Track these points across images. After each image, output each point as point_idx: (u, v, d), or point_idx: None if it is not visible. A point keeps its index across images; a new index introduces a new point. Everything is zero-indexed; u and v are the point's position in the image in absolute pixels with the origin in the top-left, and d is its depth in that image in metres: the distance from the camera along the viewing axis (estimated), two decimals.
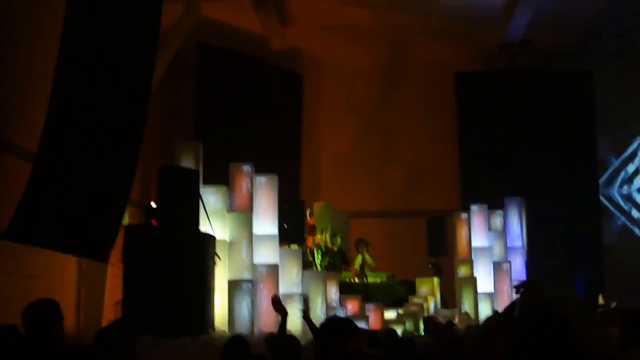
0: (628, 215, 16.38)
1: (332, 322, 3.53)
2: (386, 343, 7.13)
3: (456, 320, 11.58)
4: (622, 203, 16.43)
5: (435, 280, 12.78)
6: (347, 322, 3.46)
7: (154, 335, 7.77)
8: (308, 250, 12.21)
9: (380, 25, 14.77)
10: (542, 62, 15.60)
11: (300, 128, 16.19)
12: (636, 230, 16.32)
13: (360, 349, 3.40)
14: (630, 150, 16.54)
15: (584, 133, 15.79)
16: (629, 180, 16.52)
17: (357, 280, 12.71)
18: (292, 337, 5.76)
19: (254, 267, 9.95)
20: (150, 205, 9.23)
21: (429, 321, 10.23)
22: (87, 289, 11.00)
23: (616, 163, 16.53)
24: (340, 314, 10.71)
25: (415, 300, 12.27)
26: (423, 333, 10.48)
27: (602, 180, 16.29)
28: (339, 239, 12.90)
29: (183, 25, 12.95)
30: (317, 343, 3.59)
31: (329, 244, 12.74)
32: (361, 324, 10.65)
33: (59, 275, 10.34)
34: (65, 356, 4.13)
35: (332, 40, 15.44)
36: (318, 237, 12.66)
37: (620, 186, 16.52)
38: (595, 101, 15.86)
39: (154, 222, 8.94)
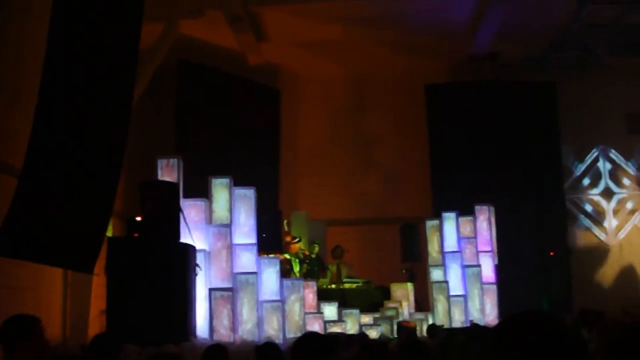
0: (592, 218, 16.83)
1: (309, 340, 3.37)
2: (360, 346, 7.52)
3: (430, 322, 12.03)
4: (585, 207, 16.88)
5: (409, 285, 13.11)
6: (325, 340, 3.35)
7: (138, 343, 8.06)
8: (285, 260, 12.55)
9: (352, 40, 15.05)
10: (507, 74, 15.97)
11: (279, 140, 16.45)
12: (599, 233, 16.76)
13: None
14: (592, 157, 16.96)
15: (549, 141, 16.19)
16: (592, 185, 16.98)
17: (334, 286, 13.06)
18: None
19: (233, 276, 10.34)
20: (133, 218, 9.53)
21: (399, 325, 10.70)
22: (73, 298, 11.16)
23: (580, 169, 16.97)
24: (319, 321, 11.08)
25: (390, 304, 12.65)
26: (396, 336, 10.89)
27: (566, 185, 16.67)
28: (316, 247, 13.30)
29: (162, 43, 13.15)
30: None
31: (306, 251, 13.13)
32: (338, 329, 11.06)
33: (46, 287, 10.51)
34: None
35: (307, 55, 15.76)
36: (296, 246, 13.01)
37: (584, 191, 16.97)
38: (559, 111, 16.32)
39: (136, 235, 9.26)
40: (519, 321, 2.39)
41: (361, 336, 8.13)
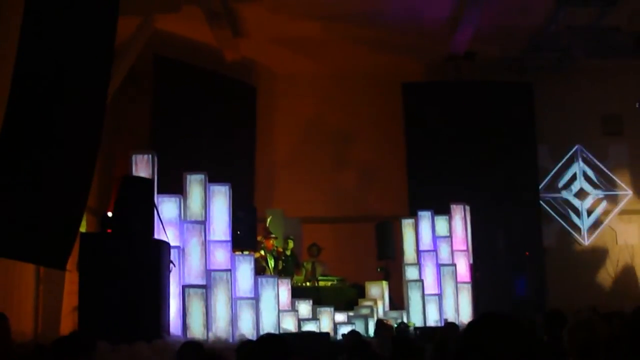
0: (566, 219, 16.95)
1: (265, 342, 3.39)
2: (347, 345, 7.45)
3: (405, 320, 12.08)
4: (560, 207, 17.00)
5: (384, 283, 13.15)
6: (280, 343, 3.32)
7: (110, 341, 7.99)
8: (261, 257, 12.52)
9: (330, 37, 15.05)
10: (485, 74, 16.01)
11: (255, 137, 16.36)
12: (573, 233, 16.90)
13: None
14: (567, 157, 17.09)
15: (525, 141, 16.28)
16: (567, 185, 17.12)
17: (308, 284, 13.04)
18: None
19: (207, 272, 10.29)
20: (106, 214, 9.46)
21: (379, 324, 10.67)
22: (46, 295, 11.07)
23: (555, 169, 17.08)
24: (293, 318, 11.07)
25: (365, 302, 12.66)
26: (373, 334, 10.90)
27: (541, 186, 16.78)
28: (290, 243, 13.20)
29: (138, 38, 13.04)
30: None
31: (280, 248, 13.08)
32: (312, 327, 11.06)
33: (18, 283, 10.42)
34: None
35: (284, 52, 15.71)
36: (271, 242, 12.96)
37: (559, 191, 17.09)
38: (535, 111, 16.43)
39: (108, 231, 9.18)
40: (486, 323, 2.42)
41: (352, 335, 8.01)
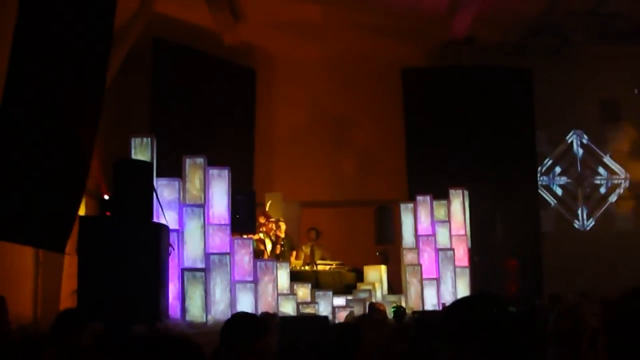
0: (564, 204, 17.00)
1: (239, 319, 3.31)
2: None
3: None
4: (558, 193, 17.05)
5: (383, 267, 13.18)
6: (256, 320, 3.27)
7: (108, 324, 8.02)
8: (259, 240, 12.52)
9: (330, 22, 15.03)
10: (484, 59, 15.98)
11: (254, 121, 16.37)
12: (571, 218, 16.93)
13: (270, 350, 3.24)
14: (566, 143, 17.14)
15: (524, 126, 16.30)
16: (565, 171, 17.15)
17: (307, 268, 13.06)
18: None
19: (206, 256, 10.31)
20: (104, 197, 9.47)
21: (371, 308, 10.71)
22: (45, 278, 11.10)
23: (553, 155, 17.12)
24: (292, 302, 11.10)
25: (364, 287, 12.69)
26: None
27: (540, 171, 16.85)
28: (282, 225, 13.14)
29: (137, 21, 13.02)
30: (222, 342, 3.31)
31: (280, 232, 13.07)
32: (311, 311, 11.10)
33: (17, 266, 10.46)
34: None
35: (284, 35, 15.67)
36: (270, 226, 12.96)
37: (557, 177, 17.13)
38: (534, 96, 16.43)
39: (107, 214, 9.19)
40: (464, 306, 2.43)
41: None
